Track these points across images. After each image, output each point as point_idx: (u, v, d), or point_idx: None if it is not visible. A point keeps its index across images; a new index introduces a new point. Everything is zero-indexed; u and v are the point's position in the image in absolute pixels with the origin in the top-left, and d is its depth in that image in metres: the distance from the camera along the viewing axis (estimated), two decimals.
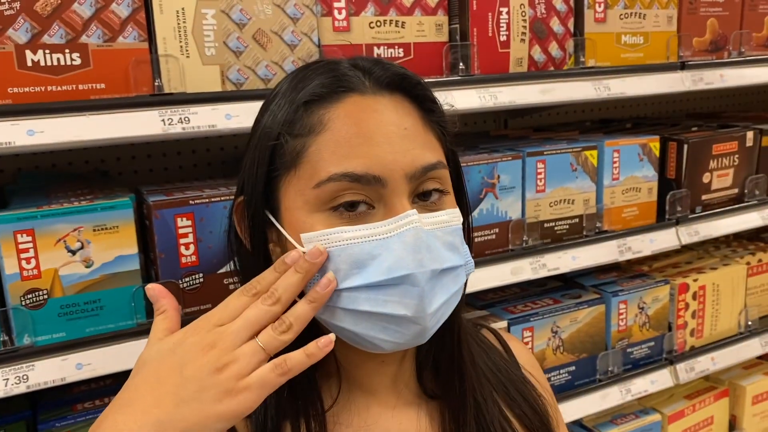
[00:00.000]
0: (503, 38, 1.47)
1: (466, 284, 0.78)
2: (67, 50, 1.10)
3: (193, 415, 0.58)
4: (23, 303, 1.11)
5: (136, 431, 0.58)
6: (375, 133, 0.68)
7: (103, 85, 1.13)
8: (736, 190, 1.89)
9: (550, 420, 0.86)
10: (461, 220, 0.75)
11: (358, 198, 0.68)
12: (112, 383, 1.38)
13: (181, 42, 1.17)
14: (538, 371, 0.98)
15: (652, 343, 1.81)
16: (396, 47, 1.37)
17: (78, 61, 1.11)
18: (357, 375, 0.77)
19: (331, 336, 0.64)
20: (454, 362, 0.78)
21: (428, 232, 0.69)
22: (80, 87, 1.11)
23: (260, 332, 0.63)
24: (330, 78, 0.71)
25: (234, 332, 0.62)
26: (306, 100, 0.71)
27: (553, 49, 1.56)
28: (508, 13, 1.47)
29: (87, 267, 1.15)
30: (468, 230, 0.81)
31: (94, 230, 1.15)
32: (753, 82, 1.82)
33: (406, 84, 0.72)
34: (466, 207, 0.80)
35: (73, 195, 1.25)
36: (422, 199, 0.71)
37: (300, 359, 0.62)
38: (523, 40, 1.50)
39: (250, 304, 0.64)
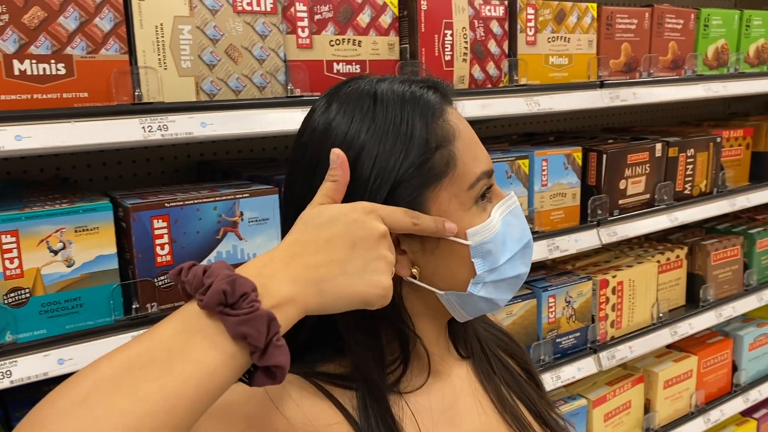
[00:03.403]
0: (448, 58, 1.63)
1: None
2: (52, 60, 1.16)
3: (349, 287, 0.68)
4: (6, 301, 1.16)
5: (303, 281, 0.66)
6: (472, 133, 0.83)
7: (86, 94, 1.19)
8: (647, 196, 2.12)
9: (527, 354, 1.05)
10: None
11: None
12: None
13: (159, 55, 1.25)
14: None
15: (578, 334, 2.01)
16: (353, 63, 1.50)
17: (63, 71, 1.17)
18: (427, 343, 0.87)
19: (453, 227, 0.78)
20: (467, 325, 0.93)
21: None
22: (64, 95, 1.18)
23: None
24: (429, 94, 0.81)
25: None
26: (432, 114, 0.79)
27: (491, 68, 1.73)
28: (451, 35, 1.62)
29: (68, 266, 1.21)
30: None
31: (76, 231, 1.21)
32: (660, 99, 2.06)
33: (452, 97, 0.86)
34: None
35: (47, 200, 1.30)
36: None
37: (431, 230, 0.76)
38: (465, 60, 1.66)
39: None
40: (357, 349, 0.79)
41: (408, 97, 0.79)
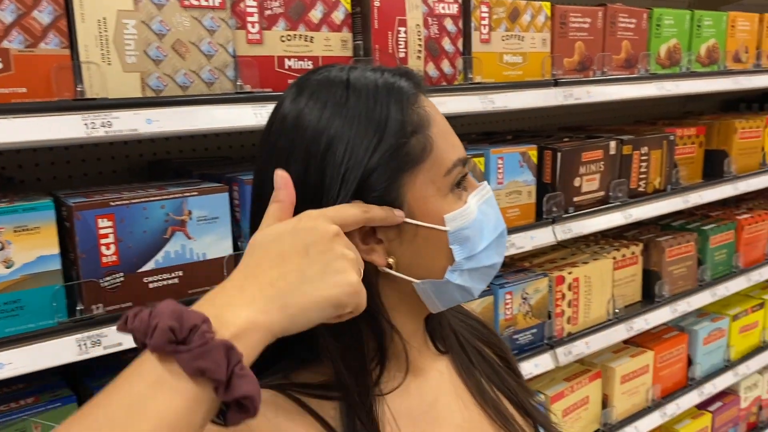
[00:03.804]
0: (402, 55, 1.62)
1: None
2: None
3: (313, 293, 0.64)
4: None
5: (261, 300, 0.62)
6: (446, 122, 0.82)
7: (24, 90, 1.16)
8: (602, 193, 2.15)
9: (504, 343, 1.04)
10: None
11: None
12: (24, 388, 1.38)
13: (102, 50, 1.22)
14: None
15: (535, 330, 2.02)
16: (305, 60, 1.48)
17: None
18: (406, 336, 0.85)
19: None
20: (443, 320, 0.92)
21: None
22: (1, 91, 1.14)
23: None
24: (402, 81, 0.80)
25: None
26: (408, 100, 0.78)
27: (445, 66, 1.73)
28: (405, 32, 1.62)
29: (7, 267, 1.17)
30: None
31: (15, 231, 1.17)
32: (614, 98, 2.09)
33: (423, 86, 0.85)
34: None
35: None
36: None
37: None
38: (419, 57, 1.66)
39: None
40: (336, 354, 0.76)
41: (381, 84, 0.78)
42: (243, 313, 0.61)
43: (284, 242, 0.66)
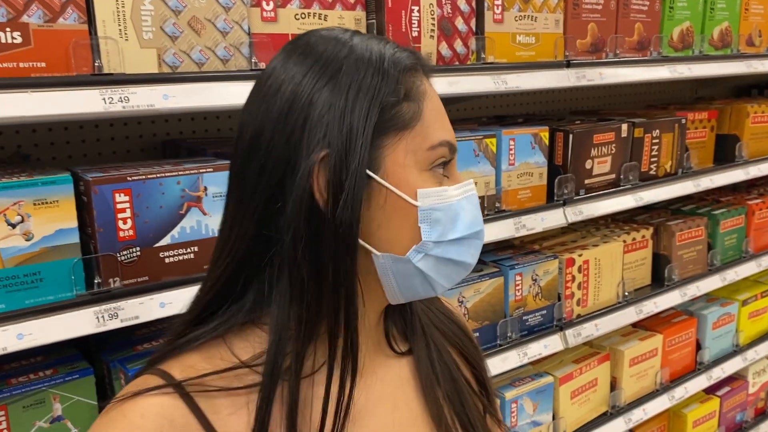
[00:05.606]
0: (415, 34, 1.63)
1: None
2: (8, 29, 1.13)
3: None
4: None
5: None
6: (442, 106, 0.81)
7: (43, 64, 1.17)
8: (613, 176, 2.15)
9: (482, 359, 1.00)
10: None
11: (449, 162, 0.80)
12: (43, 360, 1.40)
13: (120, 25, 1.23)
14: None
15: (545, 312, 2.03)
16: None
17: (19, 40, 1.14)
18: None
19: None
20: (411, 318, 0.90)
21: None
22: (21, 65, 1.15)
23: None
24: (407, 56, 0.78)
25: None
26: (405, 67, 0.76)
27: (458, 45, 1.73)
28: (419, 11, 1.62)
29: (27, 240, 1.19)
30: None
31: (35, 204, 1.19)
32: (626, 80, 2.09)
33: (428, 67, 0.83)
34: None
35: (5, 174, 1.27)
36: None
37: None
38: (432, 37, 1.66)
39: None
40: (284, 313, 0.74)
41: (382, 51, 0.76)
42: None
43: None
